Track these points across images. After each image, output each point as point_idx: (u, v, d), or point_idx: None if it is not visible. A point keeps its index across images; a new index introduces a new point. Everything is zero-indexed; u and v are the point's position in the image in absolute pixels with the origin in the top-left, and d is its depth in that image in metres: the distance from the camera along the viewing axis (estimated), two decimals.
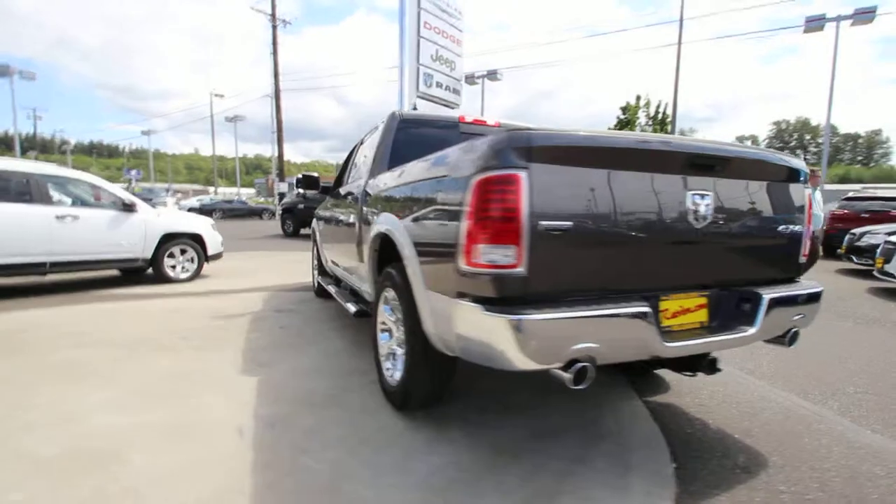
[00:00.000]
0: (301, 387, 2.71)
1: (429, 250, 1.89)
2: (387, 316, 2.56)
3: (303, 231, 15.08)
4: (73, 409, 2.36)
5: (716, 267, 1.92)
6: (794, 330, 1.96)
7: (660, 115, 28.01)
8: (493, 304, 1.53)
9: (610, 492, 1.75)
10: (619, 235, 1.65)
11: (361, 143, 3.97)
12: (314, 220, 5.46)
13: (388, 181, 2.57)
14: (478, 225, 1.53)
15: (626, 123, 28.34)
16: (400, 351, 2.40)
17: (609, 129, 28.96)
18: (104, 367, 2.98)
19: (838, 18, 14.36)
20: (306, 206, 14.48)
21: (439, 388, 2.22)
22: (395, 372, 2.42)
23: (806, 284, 2.10)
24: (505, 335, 1.48)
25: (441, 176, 1.82)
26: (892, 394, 2.83)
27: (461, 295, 1.64)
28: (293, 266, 7.96)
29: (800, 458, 2.01)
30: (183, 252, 6.36)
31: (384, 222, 2.41)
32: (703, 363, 2.03)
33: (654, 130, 27.90)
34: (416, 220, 1.99)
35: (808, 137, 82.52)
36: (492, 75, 21.55)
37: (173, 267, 6.27)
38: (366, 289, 3.14)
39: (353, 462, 1.91)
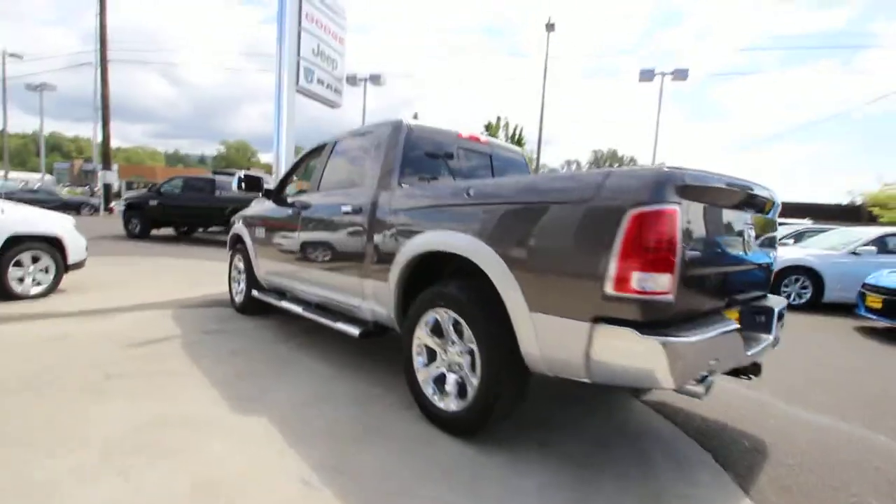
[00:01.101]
0: (323, 418, 2.41)
1: (541, 273, 1.89)
2: (430, 339, 2.44)
3: (156, 233, 12.86)
4: (42, 482, 1.72)
5: (745, 284, 2.33)
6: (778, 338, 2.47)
7: (516, 136, 31.03)
8: (640, 327, 1.63)
9: (688, 485, 1.99)
10: (716, 262, 1.91)
11: (332, 151, 3.64)
12: (240, 226, 4.78)
13: (440, 197, 2.46)
14: (634, 253, 1.62)
15: None
16: (452, 376, 2.33)
17: None
18: (32, 421, 2.20)
19: (663, 73, 18.31)
20: (162, 203, 12.35)
21: (513, 408, 2.22)
22: (447, 398, 2.33)
23: (778, 299, 2.67)
24: (658, 357, 1.59)
25: (565, 201, 1.84)
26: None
27: (598, 319, 1.70)
28: (173, 275, 6.83)
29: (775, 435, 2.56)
30: (35, 260, 4.92)
31: (441, 241, 2.31)
32: (749, 368, 2.42)
33: None
34: (520, 242, 1.97)
35: (615, 165, 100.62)
36: (375, 79, 21.28)
37: (21, 279, 4.82)
38: (368, 307, 2.93)
39: (466, 500, 1.80)
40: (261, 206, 4.48)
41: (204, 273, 7.21)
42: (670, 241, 1.61)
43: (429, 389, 2.43)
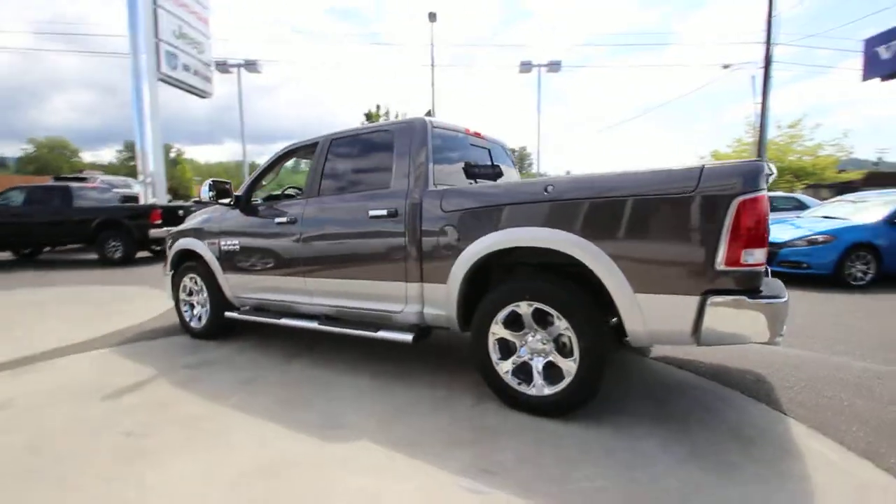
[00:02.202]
0: (421, 429, 2.38)
1: (646, 258, 2.13)
2: (507, 332, 2.55)
3: None
4: None
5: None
6: None
7: None
8: (746, 294, 1.98)
9: (739, 412, 2.45)
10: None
11: (329, 153, 3.41)
12: (191, 241, 4.17)
13: (512, 195, 2.52)
14: (741, 233, 1.94)
15: None
16: (538, 364, 2.48)
17: None
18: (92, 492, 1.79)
19: (539, 65, 19.98)
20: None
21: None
22: (536, 385, 2.47)
23: None
24: (763, 317, 1.96)
25: (667, 193, 2.09)
26: None
27: (709, 291, 2.01)
28: (69, 307, 5.67)
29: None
30: None
31: (526, 237, 2.40)
32: None
33: None
34: (620, 232, 2.17)
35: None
36: (251, 66, 19.22)
37: None
38: (413, 311, 2.90)
39: (618, 470, 1.99)
40: (223, 217, 3.97)
41: (105, 300, 6.09)
42: (765, 221, 1.97)
43: (513, 380, 2.54)
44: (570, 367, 2.36)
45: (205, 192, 3.66)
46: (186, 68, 14.96)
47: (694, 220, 2.04)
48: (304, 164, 4.42)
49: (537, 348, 2.50)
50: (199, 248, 4.09)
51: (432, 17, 18.09)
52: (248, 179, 3.91)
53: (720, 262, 1.98)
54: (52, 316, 5.25)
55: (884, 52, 16.08)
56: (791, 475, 1.93)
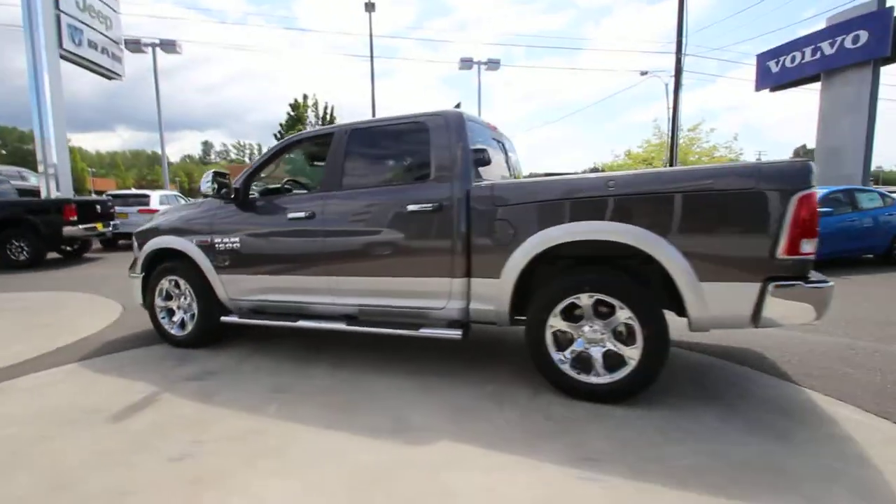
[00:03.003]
0: (494, 423, 2.36)
1: (710, 248, 2.29)
2: (564, 324, 2.61)
3: None
4: None
5: None
6: None
7: (328, 116, 30.00)
8: (802, 280, 2.21)
9: (758, 386, 2.74)
10: None
11: (349, 145, 3.22)
12: (174, 239, 3.73)
13: (573, 190, 2.55)
14: (799, 225, 2.16)
15: (297, 120, 28.95)
16: (597, 351, 2.57)
17: (281, 125, 28.71)
18: None
19: (479, 63, 20.18)
20: None
21: None
22: (595, 373, 2.56)
23: None
24: (817, 300, 2.20)
25: (728, 188, 2.25)
26: None
27: (769, 279, 2.22)
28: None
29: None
30: None
31: (585, 230, 2.47)
32: None
33: None
34: (685, 224, 2.31)
35: None
36: (168, 46, 17.19)
37: None
38: (457, 307, 2.87)
39: (711, 446, 2.13)
40: (214, 212, 3.60)
41: (34, 309, 5.27)
42: (817, 215, 2.21)
43: (571, 370, 2.61)
44: (632, 354, 2.48)
45: (206, 186, 3.29)
46: (93, 45, 13.22)
47: (757, 214, 2.23)
48: (290, 158, 4.15)
49: (594, 338, 2.58)
50: (185, 247, 3.66)
51: (370, 6, 17.58)
52: (244, 172, 3.57)
53: (781, 251, 2.19)
54: None
55: (773, 67, 18.43)
56: (838, 436, 2.20)
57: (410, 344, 3.61)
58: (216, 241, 3.54)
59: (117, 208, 11.23)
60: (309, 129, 26.25)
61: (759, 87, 19.25)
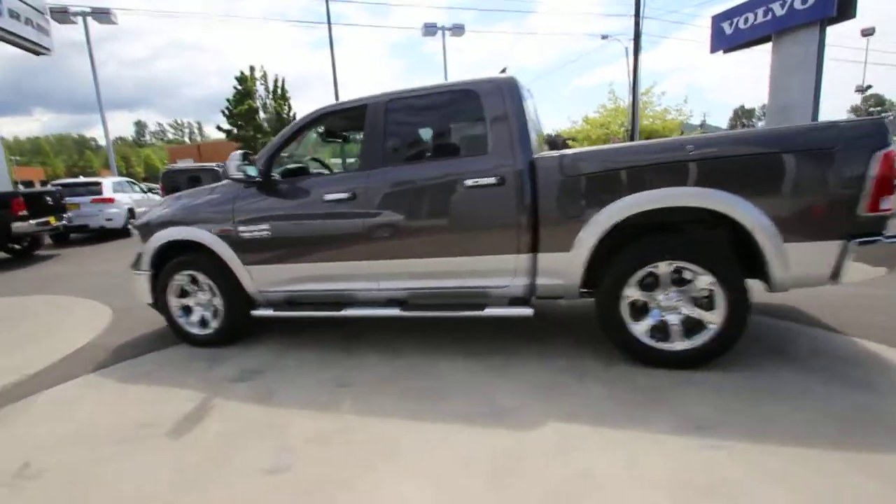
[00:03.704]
0: (604, 398, 2.32)
1: (794, 209, 2.30)
2: (640, 293, 2.58)
3: None
4: None
5: None
6: None
7: (279, 90, 28.47)
8: (882, 236, 2.26)
9: (808, 339, 2.86)
10: None
11: (387, 117, 2.98)
12: (192, 230, 3.38)
13: (652, 153, 2.48)
14: (879, 183, 2.19)
15: (245, 95, 27.35)
16: (675, 318, 2.57)
17: (229, 100, 26.91)
18: None
19: (444, 28, 19.46)
20: None
21: None
22: (673, 341, 2.56)
23: None
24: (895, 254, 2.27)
25: (810, 148, 2.24)
26: None
27: (850, 236, 2.26)
28: None
29: None
30: None
31: (665, 197, 2.41)
32: None
33: (277, 104, 28.18)
34: (769, 187, 2.29)
35: None
36: (101, 15, 15.32)
37: None
38: (523, 283, 2.79)
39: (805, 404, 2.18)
40: (234, 197, 3.27)
41: (4, 317, 4.75)
42: (895, 171, 2.24)
43: (650, 339, 2.60)
44: (712, 319, 2.49)
45: (234, 167, 2.96)
46: (14, 15, 11.67)
47: (839, 172, 2.24)
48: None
49: (670, 305, 2.57)
50: (203, 237, 3.33)
51: None
52: (265, 152, 3.25)
53: (862, 208, 2.22)
54: None
55: (727, 28, 18.92)
56: None
57: (456, 325, 3.49)
58: (241, 229, 3.23)
59: (67, 199, 10.22)
60: (258, 103, 24.47)
61: (714, 49, 19.75)
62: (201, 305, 3.53)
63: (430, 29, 19.62)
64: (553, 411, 2.24)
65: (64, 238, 11.19)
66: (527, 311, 2.73)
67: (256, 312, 3.34)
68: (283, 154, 3.35)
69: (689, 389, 2.36)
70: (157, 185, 15.08)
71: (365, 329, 3.61)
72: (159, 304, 3.61)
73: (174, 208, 3.56)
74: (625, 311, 2.61)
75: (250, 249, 3.24)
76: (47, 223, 8.80)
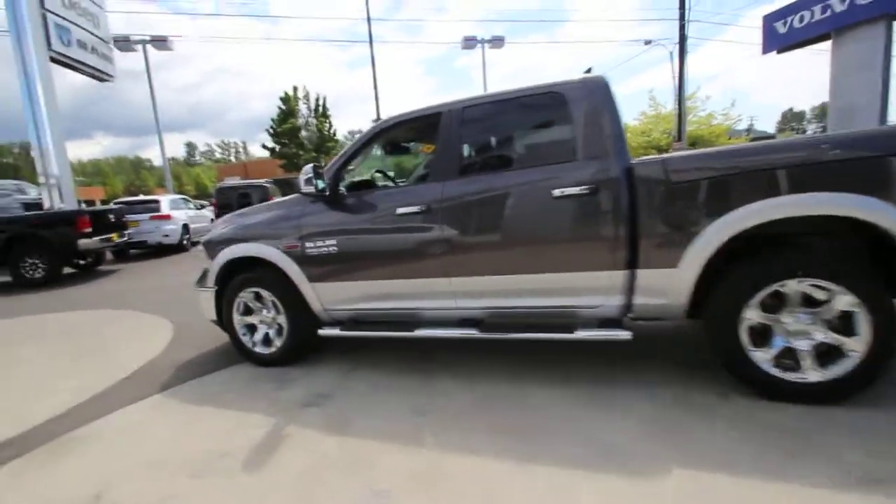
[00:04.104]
0: (732, 438, 2.00)
1: None
2: (762, 315, 2.25)
3: None
4: None
5: None
6: None
7: (320, 108, 29.20)
8: None
9: None
10: None
11: (463, 125, 2.80)
12: (261, 248, 3.28)
13: (785, 156, 2.16)
14: None
15: (289, 114, 28.19)
16: (805, 344, 2.22)
17: (273, 119, 27.82)
18: None
19: (483, 41, 19.52)
20: None
21: None
22: (809, 369, 2.20)
23: None
24: None
25: None
26: None
27: None
28: (13, 350, 4.38)
29: None
30: None
31: (802, 203, 2.08)
32: None
33: (319, 123, 28.89)
34: None
35: None
36: (159, 43, 16.32)
37: None
38: (617, 303, 2.50)
39: None
40: (301, 213, 3.16)
41: (70, 333, 4.83)
42: None
43: (774, 369, 2.26)
44: (854, 345, 2.12)
45: (305, 181, 2.85)
46: (82, 45, 12.45)
47: None
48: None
49: (800, 329, 2.22)
50: (269, 254, 3.23)
51: None
52: (332, 165, 3.13)
53: None
54: (16, 361, 3.97)
55: (781, 28, 17.98)
56: None
57: (540, 347, 3.21)
58: (308, 245, 3.10)
59: (127, 216, 10.66)
60: (301, 122, 25.18)
61: (766, 50, 18.76)
62: (265, 323, 3.42)
63: (469, 42, 19.65)
64: (673, 454, 1.93)
65: (124, 254, 11.67)
66: (624, 335, 2.44)
67: (323, 331, 3.19)
68: (349, 167, 3.22)
69: (836, 430, 2.00)
70: (208, 202, 15.63)
71: (435, 348, 3.39)
72: (224, 321, 3.53)
73: (238, 225, 3.49)
74: (744, 335, 2.28)
75: (317, 266, 3.11)
76: (109, 240, 9.15)
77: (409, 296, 2.94)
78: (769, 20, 18.41)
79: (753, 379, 2.30)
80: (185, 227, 11.98)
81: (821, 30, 16.78)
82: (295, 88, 28.52)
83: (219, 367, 3.43)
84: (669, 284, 2.37)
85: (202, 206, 14.97)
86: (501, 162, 2.82)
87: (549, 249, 2.57)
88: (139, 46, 16.18)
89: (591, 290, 2.52)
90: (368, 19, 16.39)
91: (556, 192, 2.48)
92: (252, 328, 3.47)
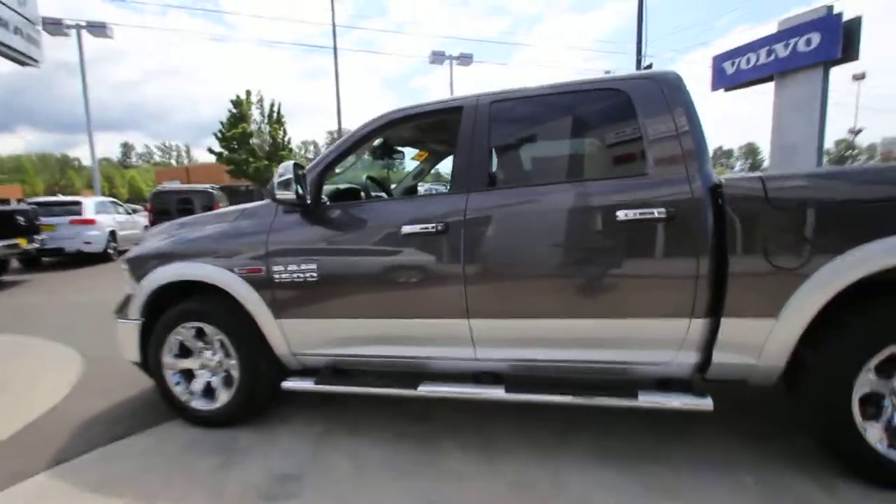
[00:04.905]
0: None
1: None
2: (877, 378, 1.77)
3: None
4: None
5: None
6: None
7: (274, 115, 27.99)
8: None
9: None
10: None
11: (492, 124, 2.19)
12: (210, 270, 2.47)
13: None
14: None
15: (239, 118, 26.79)
16: None
17: (222, 123, 26.21)
18: None
19: (451, 57, 19.19)
20: None
21: None
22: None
23: None
24: None
25: None
26: None
27: None
28: None
29: None
30: None
31: None
32: None
33: (273, 129, 27.66)
34: None
35: None
36: (96, 29, 14.51)
37: None
38: (688, 361, 1.96)
39: None
40: (268, 226, 2.41)
41: None
42: None
43: (890, 449, 1.77)
44: None
45: (284, 185, 2.11)
46: (3, 23, 10.81)
47: None
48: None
49: None
50: (222, 278, 2.43)
51: None
52: (313, 167, 2.40)
53: None
54: None
55: (729, 68, 19.04)
56: None
57: (569, 409, 2.59)
58: (276, 268, 2.34)
59: (42, 219, 9.15)
60: (253, 127, 23.89)
61: (714, 88, 19.80)
62: (208, 369, 2.59)
63: (438, 57, 19.31)
64: None
65: (36, 262, 10.04)
66: (705, 404, 1.88)
67: (289, 384, 2.41)
68: (336, 170, 2.52)
69: None
70: (143, 207, 14.06)
71: (431, 406, 2.69)
72: (150, 364, 2.66)
73: (179, 238, 2.66)
74: (856, 408, 1.78)
75: (287, 296, 2.35)
76: (16, 246, 7.71)
77: (413, 340, 2.25)
78: (718, 60, 19.43)
79: (864, 462, 1.80)
80: (112, 233, 10.51)
81: (765, 72, 17.86)
82: (248, 92, 27.03)
83: (138, 428, 2.56)
84: (764, 339, 1.84)
85: (133, 211, 13.36)
86: (543, 172, 2.24)
87: (606, 288, 1.98)
88: (73, 32, 14.39)
89: (659, 342, 1.95)
90: (334, 27, 15.64)
91: (620, 216, 1.91)
92: (189, 375, 2.62)
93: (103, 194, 20.05)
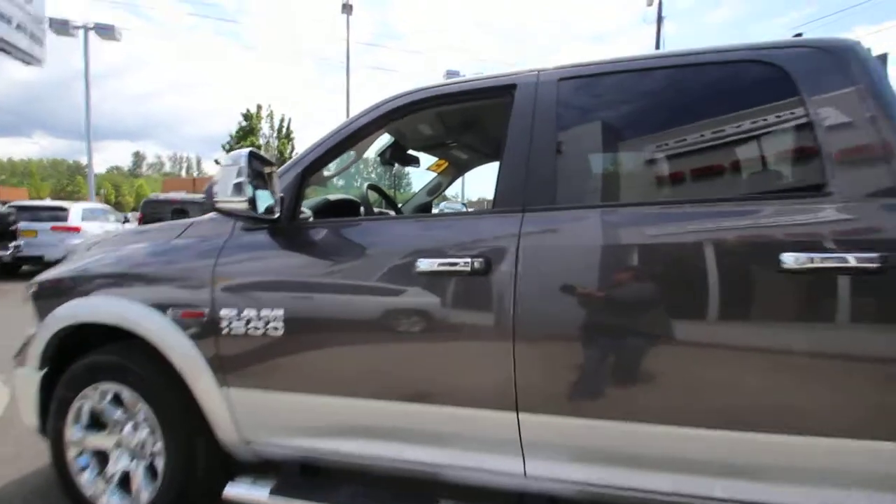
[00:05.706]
0: None
1: None
2: None
3: None
4: None
5: None
6: None
7: (283, 130, 28.00)
8: None
9: None
10: None
11: (560, 109, 1.44)
12: (130, 309, 1.70)
13: None
14: None
15: (249, 132, 26.77)
16: None
17: (231, 135, 26.07)
18: None
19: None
20: None
21: None
22: None
23: None
24: None
25: None
26: None
27: None
28: None
29: None
30: None
31: None
32: None
33: (281, 144, 27.61)
34: None
35: None
36: (104, 31, 14.19)
37: None
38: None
39: None
40: (217, 249, 1.64)
41: None
42: None
43: None
44: None
45: (231, 186, 1.35)
46: (7, 20, 10.42)
47: None
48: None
49: None
50: (148, 323, 1.65)
51: (347, 8, 15.69)
52: (290, 166, 1.66)
53: None
54: None
55: None
56: None
57: None
58: (223, 311, 1.56)
59: (23, 224, 8.50)
60: (262, 141, 23.90)
61: None
62: (126, 450, 1.79)
63: (452, 76, 18.94)
64: None
65: (13, 270, 9.34)
66: None
67: (234, 490, 1.60)
68: (324, 173, 1.77)
69: None
70: (135, 215, 13.46)
71: None
72: (49, 432, 1.86)
73: (106, 259, 1.90)
74: None
75: (240, 354, 1.57)
76: None
77: (426, 437, 1.45)
78: None
79: None
80: None
81: None
82: (259, 107, 27.01)
83: None
84: None
85: (126, 220, 12.71)
86: (643, 183, 1.47)
87: (755, 378, 1.19)
88: (79, 32, 14.03)
89: (858, 474, 1.15)
90: (347, 45, 15.33)
91: (786, 260, 1.12)
92: (102, 458, 1.82)
93: (107, 202, 19.55)
